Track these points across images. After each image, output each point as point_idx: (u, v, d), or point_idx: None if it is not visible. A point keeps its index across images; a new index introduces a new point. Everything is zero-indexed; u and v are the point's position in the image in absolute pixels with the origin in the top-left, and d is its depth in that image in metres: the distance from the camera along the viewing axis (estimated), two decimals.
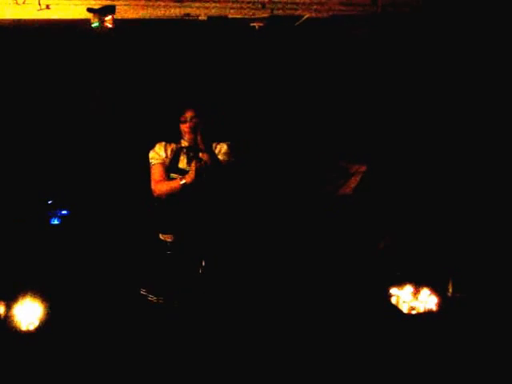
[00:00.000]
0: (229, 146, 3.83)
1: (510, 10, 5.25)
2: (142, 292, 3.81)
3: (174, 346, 3.76)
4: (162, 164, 3.79)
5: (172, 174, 3.77)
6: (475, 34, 5.49)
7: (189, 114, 3.78)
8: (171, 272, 3.75)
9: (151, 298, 3.76)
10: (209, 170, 3.61)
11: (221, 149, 3.81)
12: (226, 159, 3.77)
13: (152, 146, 3.88)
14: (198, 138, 3.68)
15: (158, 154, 3.83)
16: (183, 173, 3.72)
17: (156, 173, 3.79)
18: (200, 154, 3.66)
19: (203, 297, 3.77)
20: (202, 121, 3.77)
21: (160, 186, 3.75)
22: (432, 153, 5.65)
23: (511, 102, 5.54)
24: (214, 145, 3.80)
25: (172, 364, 3.79)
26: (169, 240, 3.78)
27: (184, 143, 3.85)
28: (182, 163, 3.80)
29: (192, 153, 3.71)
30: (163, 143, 3.87)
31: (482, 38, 5.49)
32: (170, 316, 3.75)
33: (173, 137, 3.88)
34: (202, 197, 3.69)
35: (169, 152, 3.84)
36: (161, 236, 3.81)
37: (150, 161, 3.84)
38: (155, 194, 3.78)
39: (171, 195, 3.69)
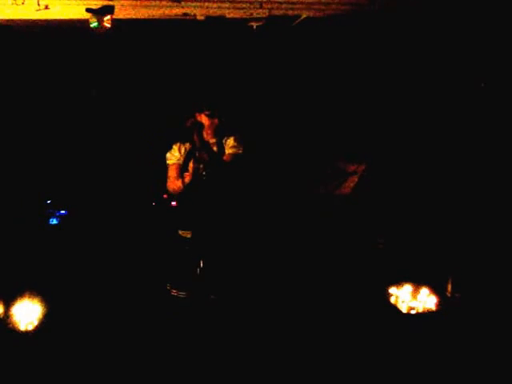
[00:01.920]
0: (235, 139, 3.93)
1: (509, 10, 5.23)
2: (168, 287, 3.96)
3: (178, 344, 3.81)
4: (176, 164, 3.98)
5: (186, 173, 3.93)
6: (475, 32, 5.47)
7: (204, 108, 3.91)
8: (189, 267, 3.86)
9: (175, 292, 3.92)
10: (209, 170, 3.65)
11: (228, 142, 3.91)
12: (235, 151, 3.88)
13: (169, 147, 4.05)
14: (196, 137, 3.74)
15: (173, 154, 4.02)
16: None
17: (169, 172, 4.00)
18: (200, 154, 3.73)
19: (216, 291, 3.89)
20: (201, 122, 3.83)
21: (170, 185, 3.98)
22: (431, 152, 5.64)
23: (511, 101, 5.52)
24: (222, 140, 3.91)
25: (172, 362, 3.81)
26: (188, 236, 3.90)
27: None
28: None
29: (194, 152, 3.79)
30: (178, 143, 4.03)
31: (482, 37, 5.47)
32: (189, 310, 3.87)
33: (188, 136, 3.97)
34: (212, 193, 3.81)
35: (182, 151, 4.00)
36: (180, 232, 3.95)
37: (166, 161, 4.03)
38: (169, 192, 4.07)
39: (181, 193, 3.90)
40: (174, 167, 3.99)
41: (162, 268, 4.15)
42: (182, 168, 3.94)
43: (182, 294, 3.90)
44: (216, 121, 3.88)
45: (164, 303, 4.02)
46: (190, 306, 3.89)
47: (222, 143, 3.90)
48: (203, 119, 3.88)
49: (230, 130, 3.96)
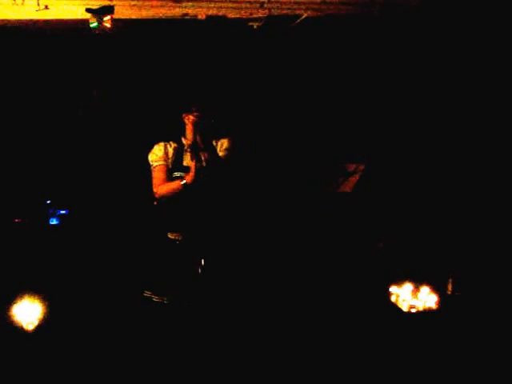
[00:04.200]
0: (230, 141, 3.82)
1: (509, 10, 5.26)
2: (146, 294, 3.76)
3: (177, 346, 3.76)
4: (163, 165, 3.76)
5: (176, 173, 3.75)
6: (475, 33, 5.50)
7: (193, 108, 3.73)
8: (179, 271, 3.72)
9: (156, 298, 3.72)
10: (210, 169, 3.62)
11: (222, 144, 3.81)
12: (228, 154, 3.77)
13: (150, 148, 3.84)
14: (198, 137, 3.70)
15: (158, 155, 3.79)
16: (189, 171, 3.68)
17: (157, 175, 3.76)
18: (200, 153, 3.69)
19: (208, 296, 3.76)
20: (202, 120, 3.77)
21: (161, 188, 3.72)
22: (431, 151, 5.66)
23: (511, 101, 5.55)
24: (215, 141, 3.79)
25: (173, 363, 3.79)
26: (178, 238, 3.75)
27: (186, 141, 3.80)
28: (187, 161, 3.75)
29: (193, 151, 3.70)
30: (162, 143, 3.83)
31: (482, 38, 5.50)
32: (176, 316, 3.72)
33: (173, 136, 3.84)
34: (207, 194, 3.68)
35: (170, 151, 3.80)
36: (169, 235, 3.77)
37: (150, 163, 3.80)
38: (157, 196, 3.76)
39: (174, 196, 3.68)
40: (161, 168, 3.75)
41: (146, 273, 3.88)
42: (173, 169, 3.76)
43: (166, 299, 3.69)
44: (204, 122, 3.71)
45: (149, 310, 3.79)
46: (178, 312, 3.71)
47: (213, 145, 3.76)
48: (191, 120, 3.70)
49: (224, 131, 3.85)
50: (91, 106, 5.78)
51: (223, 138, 3.83)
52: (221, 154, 3.75)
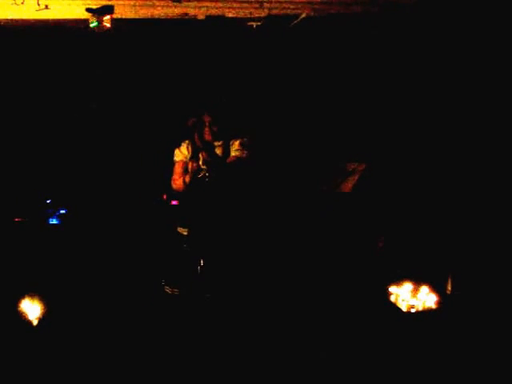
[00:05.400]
0: (240, 142, 3.99)
1: (509, 9, 5.26)
2: (164, 285, 4.03)
3: (180, 341, 3.84)
4: (182, 161, 4.05)
5: (186, 173, 4.01)
6: (475, 33, 5.50)
7: (198, 110, 4.00)
8: (185, 264, 3.94)
9: (167, 289, 3.99)
10: (209, 169, 3.72)
11: (234, 145, 3.98)
12: (238, 154, 3.95)
13: (179, 144, 4.13)
14: (196, 137, 3.79)
15: (181, 151, 4.08)
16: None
17: (175, 170, 4.08)
18: (200, 154, 3.80)
19: (210, 289, 3.95)
20: (200, 120, 3.88)
21: (174, 182, 4.05)
22: (431, 151, 5.65)
23: (511, 101, 5.54)
24: (231, 141, 3.99)
25: (174, 361, 3.81)
26: (185, 233, 3.99)
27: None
28: (201, 160, 3.98)
29: (194, 152, 3.86)
30: (187, 141, 4.07)
31: (482, 37, 5.50)
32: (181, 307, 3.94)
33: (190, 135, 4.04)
34: (212, 192, 3.89)
35: (190, 149, 4.04)
36: (178, 229, 4.04)
37: (174, 157, 4.10)
38: (172, 189, 4.10)
39: (183, 191, 3.99)
40: (179, 164, 4.06)
41: (158, 265, 4.22)
42: (187, 166, 4.01)
43: (176, 291, 3.96)
44: (199, 122, 3.93)
45: (157, 301, 4.08)
46: (182, 303, 3.94)
47: (229, 146, 3.96)
48: (190, 121, 3.95)
49: (237, 132, 4.03)
50: (90, 105, 5.79)
51: (236, 138, 4.00)
52: (232, 153, 3.95)
